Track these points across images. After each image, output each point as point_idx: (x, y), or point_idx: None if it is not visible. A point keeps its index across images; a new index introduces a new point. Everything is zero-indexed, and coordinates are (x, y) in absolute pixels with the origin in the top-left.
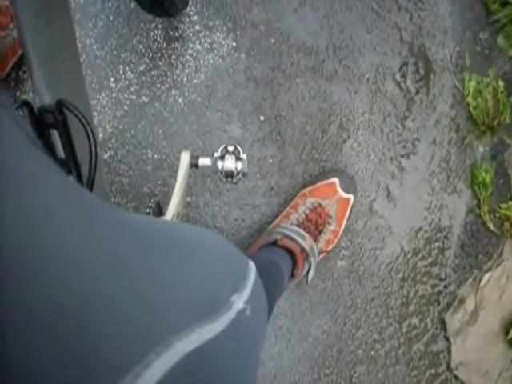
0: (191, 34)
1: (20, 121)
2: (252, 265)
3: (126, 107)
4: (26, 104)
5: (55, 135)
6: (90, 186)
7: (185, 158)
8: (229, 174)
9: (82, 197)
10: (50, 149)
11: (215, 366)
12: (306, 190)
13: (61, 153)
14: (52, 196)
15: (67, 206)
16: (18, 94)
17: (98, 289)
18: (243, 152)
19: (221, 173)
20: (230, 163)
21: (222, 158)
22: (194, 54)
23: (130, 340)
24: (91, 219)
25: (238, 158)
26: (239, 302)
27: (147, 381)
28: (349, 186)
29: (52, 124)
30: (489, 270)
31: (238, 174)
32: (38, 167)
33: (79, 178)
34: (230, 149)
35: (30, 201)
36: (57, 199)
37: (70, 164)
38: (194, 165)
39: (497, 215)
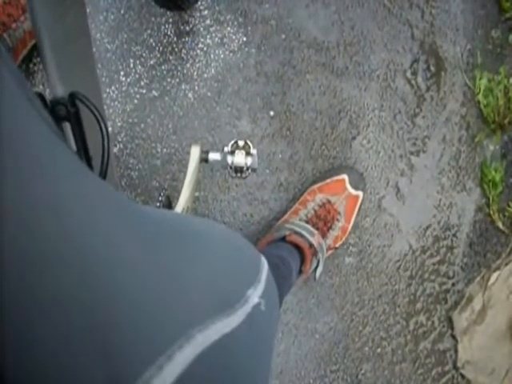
0: (202, 29)
1: (22, 79)
2: (264, 259)
3: (135, 101)
4: (39, 96)
5: (67, 128)
6: (103, 178)
7: (195, 152)
8: (238, 170)
9: (100, 186)
10: None
11: (232, 360)
12: (316, 187)
13: (72, 146)
14: (79, 185)
15: (92, 196)
16: (28, 86)
17: (125, 280)
18: (253, 147)
19: (230, 168)
20: (240, 158)
21: (232, 152)
22: (205, 49)
23: (154, 331)
24: (113, 209)
25: (248, 153)
26: (254, 296)
27: (169, 373)
28: (358, 182)
29: (64, 116)
30: (497, 268)
31: (247, 169)
32: (44, 145)
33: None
34: (241, 144)
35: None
36: (84, 187)
37: (81, 157)
38: (203, 159)
39: (506, 214)
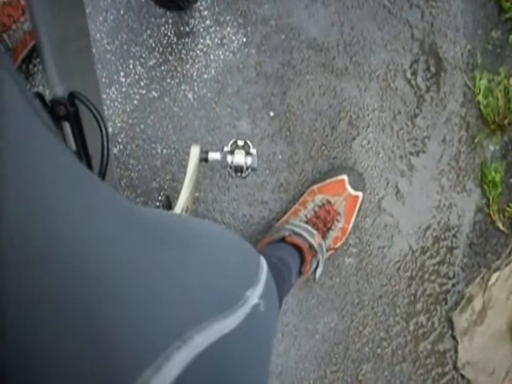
0: (202, 29)
1: (24, 87)
2: (263, 260)
3: (135, 102)
4: (38, 96)
5: (67, 128)
6: (102, 178)
7: (194, 152)
8: (238, 169)
9: (96, 187)
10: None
11: (231, 360)
12: (315, 187)
13: (72, 145)
14: (69, 187)
15: (82, 197)
16: (28, 87)
17: (124, 280)
18: (253, 147)
19: (230, 167)
20: (239, 158)
21: (231, 152)
22: (205, 49)
23: (152, 332)
24: (111, 212)
25: (247, 153)
26: (253, 297)
27: (168, 374)
28: (358, 183)
29: (64, 116)
30: (497, 269)
31: (247, 168)
32: (45, 149)
33: (90, 170)
34: (240, 143)
35: (41, 191)
36: (71, 189)
37: (81, 156)
38: (203, 159)
39: (506, 214)
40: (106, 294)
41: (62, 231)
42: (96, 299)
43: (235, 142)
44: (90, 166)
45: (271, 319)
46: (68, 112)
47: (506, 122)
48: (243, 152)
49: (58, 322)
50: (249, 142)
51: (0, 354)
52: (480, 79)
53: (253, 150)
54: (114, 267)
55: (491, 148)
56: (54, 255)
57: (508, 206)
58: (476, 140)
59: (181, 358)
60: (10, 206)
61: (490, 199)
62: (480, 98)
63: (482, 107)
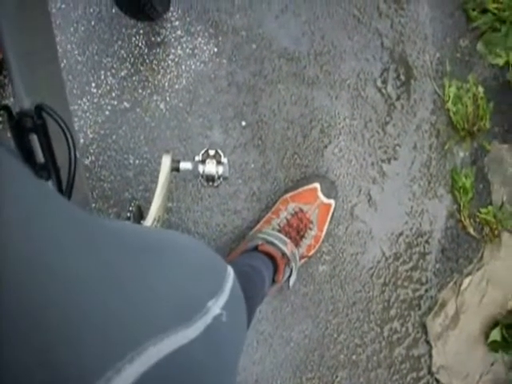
0: (173, 40)
1: None
2: (230, 270)
3: (107, 112)
4: (4, 108)
5: (34, 140)
6: (70, 190)
7: (166, 161)
8: (210, 178)
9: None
10: (29, 154)
11: (189, 371)
12: (288, 196)
13: (40, 157)
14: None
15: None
16: None
17: (76, 295)
18: (224, 156)
19: (202, 177)
20: (211, 167)
21: (203, 162)
22: (176, 60)
23: (104, 346)
24: (71, 225)
25: (219, 162)
26: (216, 307)
27: None
28: (330, 191)
29: (31, 128)
30: (469, 274)
31: (219, 178)
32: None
33: (59, 182)
34: (211, 153)
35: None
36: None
37: (49, 168)
38: (175, 168)
39: (477, 220)
40: (58, 309)
41: (14, 244)
42: (47, 314)
43: (206, 151)
44: (58, 177)
45: (236, 330)
46: (35, 124)
47: (475, 128)
48: (214, 161)
49: (8, 329)
50: (220, 152)
51: None
52: (449, 87)
53: (224, 159)
54: (65, 280)
55: (461, 154)
56: (4, 269)
57: (479, 211)
58: (446, 147)
59: (132, 371)
60: None
61: (461, 205)
62: (449, 105)
63: (451, 114)
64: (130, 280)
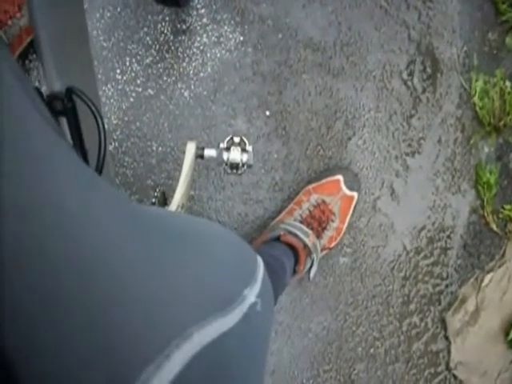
0: (198, 27)
1: (26, 82)
2: (260, 259)
3: (131, 99)
4: (36, 91)
5: (63, 122)
6: (99, 173)
7: (190, 148)
8: (234, 166)
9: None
10: None
11: (229, 358)
12: (310, 187)
13: (69, 141)
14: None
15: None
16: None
17: (124, 279)
18: (249, 144)
19: (226, 164)
20: (235, 154)
21: (227, 149)
22: (201, 48)
23: (152, 331)
24: (116, 212)
25: (243, 150)
26: (251, 295)
27: (168, 372)
28: (353, 183)
29: (61, 111)
30: (491, 270)
31: (243, 165)
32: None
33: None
34: (236, 140)
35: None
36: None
37: (77, 151)
38: (199, 155)
39: (500, 216)
40: (107, 293)
41: (62, 224)
42: (97, 298)
43: (231, 138)
44: (86, 161)
45: (268, 318)
46: (65, 107)
47: (501, 123)
48: (239, 149)
49: (60, 323)
50: (245, 139)
51: (4, 354)
52: (476, 81)
53: (249, 147)
54: (114, 265)
55: (486, 150)
56: (53, 246)
57: (502, 207)
58: (471, 141)
59: (180, 357)
60: (10, 197)
61: (485, 200)
62: (476, 99)
63: (477, 109)
64: (173, 266)
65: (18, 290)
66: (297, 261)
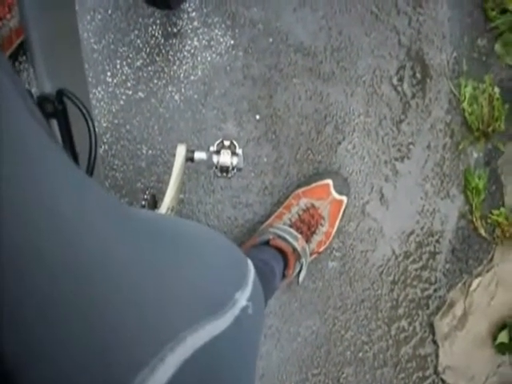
0: (189, 31)
1: (19, 85)
2: (250, 263)
3: (121, 102)
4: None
5: (54, 125)
6: (90, 176)
7: (180, 151)
8: (224, 169)
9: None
10: None
11: (221, 361)
12: (300, 191)
13: (59, 143)
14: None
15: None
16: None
17: (119, 282)
18: (239, 147)
19: (216, 167)
20: (225, 158)
21: (217, 152)
22: (192, 51)
23: (147, 334)
24: (111, 215)
25: (233, 153)
26: (242, 299)
27: (162, 375)
28: (342, 187)
29: (51, 113)
30: (479, 275)
31: (233, 168)
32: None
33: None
34: (226, 143)
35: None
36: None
37: (68, 154)
38: (189, 158)
39: (488, 221)
40: (102, 296)
41: (58, 228)
42: (93, 301)
43: (221, 141)
44: (77, 163)
45: (258, 322)
46: (56, 109)
47: (489, 129)
48: (229, 152)
49: (57, 326)
50: (235, 142)
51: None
52: (465, 86)
53: (239, 150)
54: (109, 268)
55: (475, 155)
56: (49, 251)
57: (491, 212)
58: (460, 147)
59: (174, 360)
60: (7, 200)
61: (473, 206)
62: (465, 105)
63: (466, 114)
64: (166, 268)
65: (16, 295)
66: (286, 265)
